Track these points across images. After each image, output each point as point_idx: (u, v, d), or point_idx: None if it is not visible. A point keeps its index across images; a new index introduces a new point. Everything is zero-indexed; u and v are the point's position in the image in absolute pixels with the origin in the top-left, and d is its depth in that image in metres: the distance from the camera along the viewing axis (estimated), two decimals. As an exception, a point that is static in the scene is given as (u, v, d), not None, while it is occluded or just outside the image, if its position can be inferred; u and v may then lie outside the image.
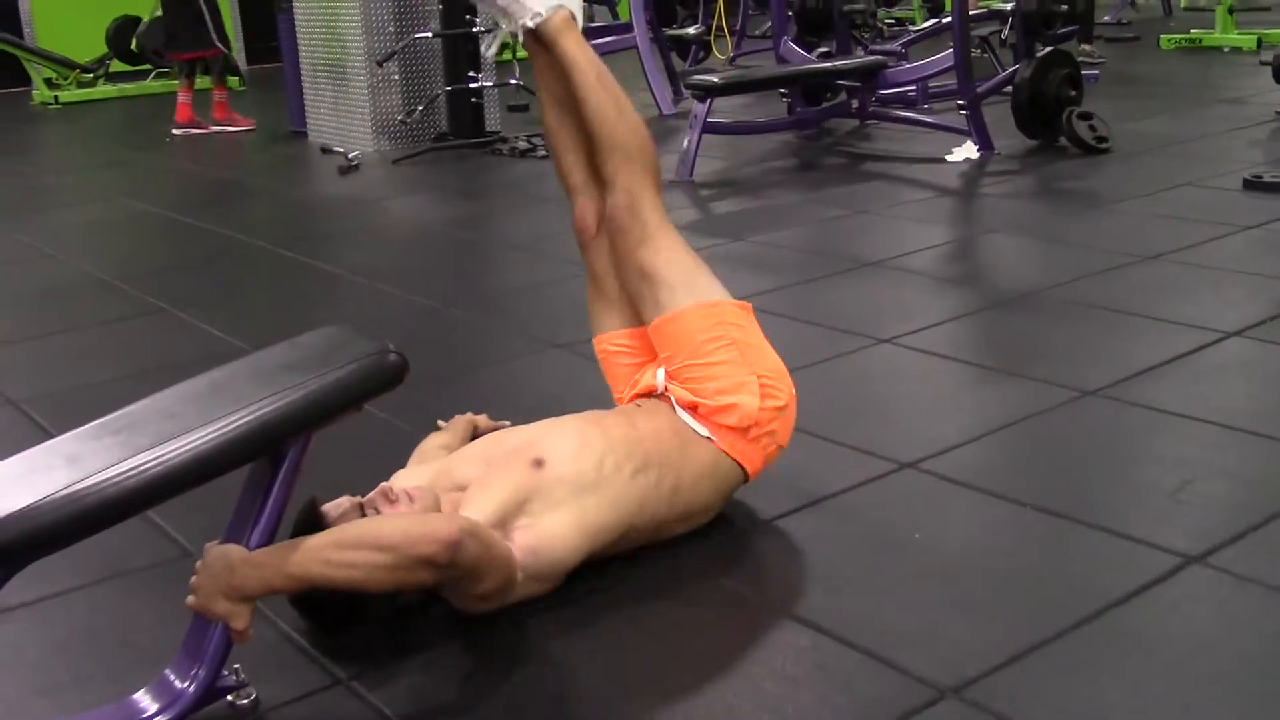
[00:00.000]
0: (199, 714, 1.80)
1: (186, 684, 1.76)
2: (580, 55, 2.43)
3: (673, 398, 2.31)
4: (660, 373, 2.36)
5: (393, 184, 6.35)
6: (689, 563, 2.24)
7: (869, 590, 2.14)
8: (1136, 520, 2.33)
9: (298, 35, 7.57)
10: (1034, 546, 2.27)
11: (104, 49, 10.75)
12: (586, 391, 2.74)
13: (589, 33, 9.16)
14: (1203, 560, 2.15)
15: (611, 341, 2.50)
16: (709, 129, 5.94)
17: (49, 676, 2.01)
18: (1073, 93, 5.98)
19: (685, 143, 5.83)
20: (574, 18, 2.46)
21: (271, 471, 1.81)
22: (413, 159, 6.74)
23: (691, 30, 9.68)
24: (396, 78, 7.07)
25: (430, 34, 6.97)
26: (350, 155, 6.68)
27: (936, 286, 4.04)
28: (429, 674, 1.96)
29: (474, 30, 6.90)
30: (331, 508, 2.02)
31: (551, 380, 3.29)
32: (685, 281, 2.36)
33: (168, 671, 1.80)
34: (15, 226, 5.65)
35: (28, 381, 3.46)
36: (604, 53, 8.65)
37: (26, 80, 10.46)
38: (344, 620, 2.02)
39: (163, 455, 1.67)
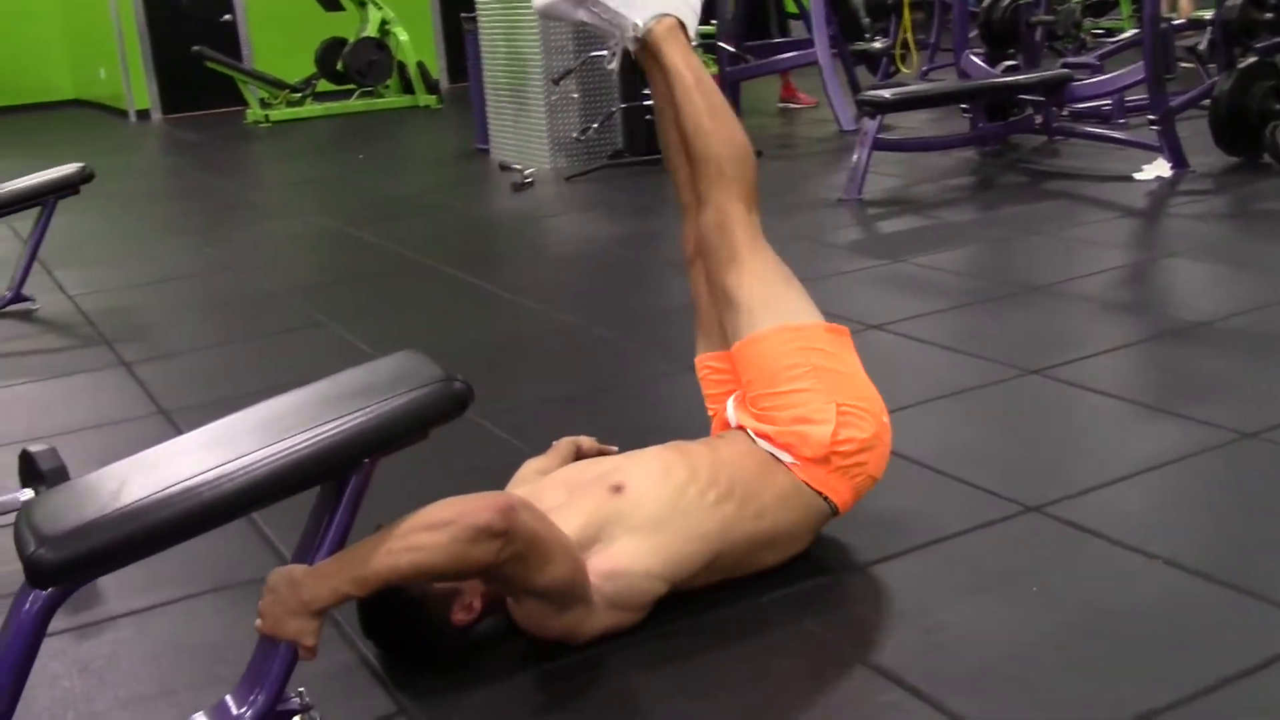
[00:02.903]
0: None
1: (244, 709, 1.76)
2: (680, 63, 2.36)
3: (748, 428, 2.22)
4: (730, 404, 2.28)
5: (563, 201, 6.40)
6: (776, 604, 2.14)
7: (965, 645, 1.99)
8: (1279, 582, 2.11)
9: (482, 55, 7.72)
10: (1163, 605, 2.08)
11: (313, 69, 11.25)
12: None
13: (777, 48, 9.09)
14: (1351, 631, 1.93)
15: (706, 364, 2.43)
16: (880, 146, 5.77)
17: (136, 687, 2.06)
18: (1279, 106, 5.57)
19: (854, 159, 5.68)
20: (682, 26, 2.39)
21: (336, 496, 1.80)
22: (586, 176, 6.78)
23: (878, 44, 9.46)
24: (575, 96, 7.12)
25: (606, 52, 6.99)
26: (526, 172, 6.76)
27: (1102, 314, 3.79)
28: (496, 707, 1.92)
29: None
30: None
31: (681, 403, 3.20)
32: (770, 305, 2.26)
33: (227, 697, 1.80)
34: (203, 241, 5.93)
35: (182, 392, 3.60)
36: (787, 68, 8.64)
37: (244, 100, 11.01)
38: (409, 636, 2.00)
39: (221, 477, 1.69)
